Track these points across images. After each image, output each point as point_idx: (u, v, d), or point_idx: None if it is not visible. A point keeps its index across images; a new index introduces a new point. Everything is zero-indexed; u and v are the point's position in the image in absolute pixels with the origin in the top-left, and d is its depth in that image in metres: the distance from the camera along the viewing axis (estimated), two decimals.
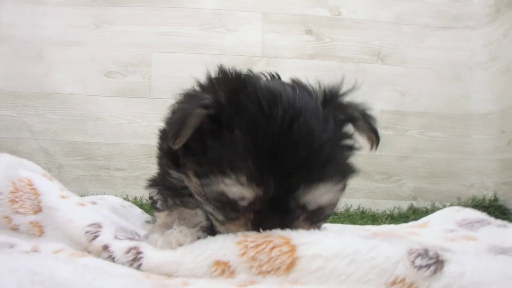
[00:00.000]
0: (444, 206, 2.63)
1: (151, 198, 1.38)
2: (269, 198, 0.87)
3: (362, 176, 2.73)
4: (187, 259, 0.88)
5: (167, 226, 1.02)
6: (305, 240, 0.85)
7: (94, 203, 1.54)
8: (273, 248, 0.85)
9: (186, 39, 2.75)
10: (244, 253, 0.86)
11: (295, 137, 0.86)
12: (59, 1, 2.74)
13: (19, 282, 0.62)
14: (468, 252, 0.82)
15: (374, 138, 1.03)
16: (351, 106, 1.02)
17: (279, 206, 0.89)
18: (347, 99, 1.02)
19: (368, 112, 1.05)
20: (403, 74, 2.76)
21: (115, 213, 1.57)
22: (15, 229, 1.14)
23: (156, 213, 1.17)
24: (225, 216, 0.94)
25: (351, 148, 1.00)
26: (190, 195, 1.09)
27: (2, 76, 2.71)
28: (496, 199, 2.56)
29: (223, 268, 0.86)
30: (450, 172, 2.76)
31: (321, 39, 2.78)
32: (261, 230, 0.89)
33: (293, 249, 0.84)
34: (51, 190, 1.18)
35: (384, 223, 2.37)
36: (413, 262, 0.74)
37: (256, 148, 0.85)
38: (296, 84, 1.02)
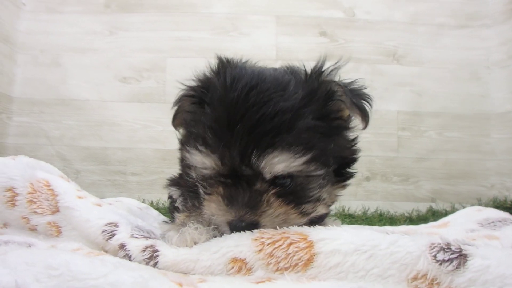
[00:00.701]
0: (464, 208, 2.58)
1: (170, 197, 1.39)
2: (229, 166, 0.90)
3: (380, 179, 2.69)
4: (204, 257, 0.88)
5: (183, 225, 1.02)
6: (323, 236, 0.83)
7: (110, 204, 1.55)
8: (290, 244, 0.84)
9: (199, 44, 2.77)
10: (261, 250, 0.85)
11: (249, 103, 0.89)
12: (74, 9, 2.78)
13: (36, 276, 0.61)
14: (492, 246, 0.78)
15: (360, 113, 1.00)
16: (332, 81, 1.01)
17: (241, 177, 0.91)
18: (331, 76, 1.02)
19: (354, 87, 1.04)
20: (419, 75, 2.72)
21: (131, 214, 1.58)
22: (33, 229, 1.16)
23: (176, 214, 1.18)
24: (205, 192, 0.99)
25: (333, 125, 0.99)
26: None
27: (19, 83, 2.76)
28: None
29: (240, 265, 0.86)
30: (469, 173, 2.70)
31: (335, 40, 2.77)
32: (230, 204, 0.91)
33: (310, 245, 0.82)
34: (68, 190, 1.21)
35: (403, 225, 2.33)
36: (434, 256, 0.72)
37: (216, 118, 0.91)
38: (286, 67, 1.08)
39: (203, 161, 0.92)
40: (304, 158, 0.89)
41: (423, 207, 2.63)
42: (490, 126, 2.70)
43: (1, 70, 2.63)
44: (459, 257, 0.71)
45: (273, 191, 0.92)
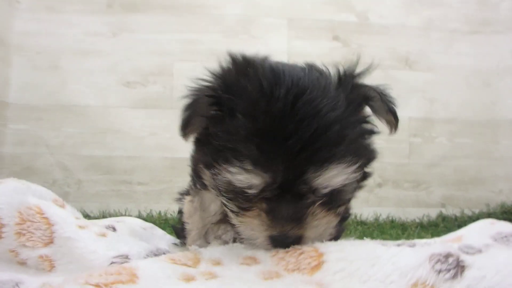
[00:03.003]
0: (473, 213, 2.63)
1: (180, 210, 1.31)
2: (279, 184, 0.83)
3: (391, 185, 2.70)
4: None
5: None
6: (332, 248, 0.87)
7: (113, 227, 1.45)
8: (301, 253, 0.87)
9: (209, 47, 2.65)
10: (274, 255, 0.89)
11: (299, 117, 0.81)
12: (75, 8, 2.60)
13: None
14: (493, 256, 0.84)
15: (392, 119, 0.98)
16: (366, 86, 0.97)
17: (291, 192, 0.85)
18: (363, 79, 0.97)
19: (386, 92, 1.00)
20: (431, 81, 2.73)
21: (135, 236, 1.49)
22: (22, 263, 1.04)
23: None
24: (238, 207, 0.91)
25: (367, 130, 0.96)
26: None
27: (15, 88, 2.57)
28: None
29: (252, 260, 0.90)
30: (478, 179, 2.76)
31: (348, 45, 2.72)
32: (274, 219, 0.87)
33: (320, 255, 0.85)
34: (67, 219, 1.09)
35: (414, 231, 2.35)
36: (433, 266, 0.75)
37: (259, 132, 0.81)
38: (308, 66, 0.98)
39: (250, 181, 0.83)
40: (354, 167, 0.86)
41: (433, 213, 2.66)
42: (500, 132, 2.76)
43: None
44: (457, 267, 0.74)
45: (319, 202, 0.89)
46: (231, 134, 0.84)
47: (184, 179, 1.26)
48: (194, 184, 1.14)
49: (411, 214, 2.64)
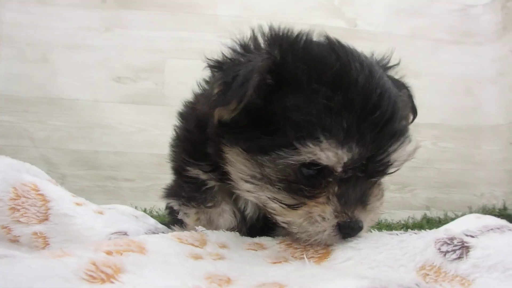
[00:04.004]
0: (456, 215, 2.68)
1: (170, 208, 1.23)
2: (366, 159, 0.79)
3: None
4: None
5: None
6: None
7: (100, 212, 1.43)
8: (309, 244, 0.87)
9: (202, 46, 2.66)
10: (282, 242, 0.89)
11: (380, 90, 0.80)
12: (68, 2, 2.59)
13: None
14: (493, 237, 0.87)
15: (411, 116, 1.04)
16: (397, 79, 1.03)
17: (366, 169, 0.82)
18: (392, 72, 1.03)
19: (411, 89, 1.06)
20: (416, 87, 2.78)
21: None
22: (14, 240, 1.02)
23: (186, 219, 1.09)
24: (299, 197, 0.83)
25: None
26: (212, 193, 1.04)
27: (2, 79, 2.52)
28: (505, 208, 2.65)
29: (258, 246, 0.90)
30: (461, 182, 2.83)
31: None
32: (346, 203, 0.81)
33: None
34: (63, 196, 1.09)
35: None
36: (439, 249, 0.77)
37: (348, 103, 0.77)
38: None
39: (340, 157, 0.77)
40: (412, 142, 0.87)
41: (418, 215, 2.71)
42: (482, 138, 2.85)
43: None
44: (462, 248, 0.77)
45: (377, 182, 0.89)
46: (312, 107, 0.77)
47: (171, 177, 1.22)
48: (188, 200, 1.06)
49: (397, 215, 2.67)
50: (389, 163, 0.83)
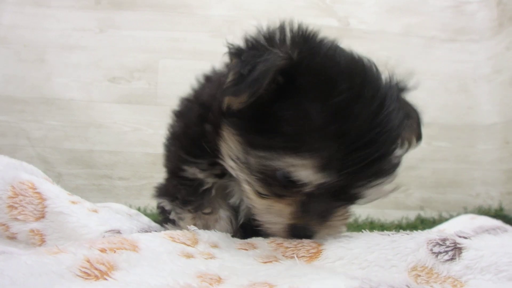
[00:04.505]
0: (451, 216, 2.65)
1: (161, 208, 1.22)
2: (338, 186, 0.80)
3: None
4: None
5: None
6: (330, 239, 0.88)
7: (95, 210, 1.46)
8: (300, 241, 0.88)
9: (195, 46, 2.71)
10: (272, 241, 0.89)
11: (382, 126, 0.79)
12: (63, 3, 2.65)
13: None
14: (486, 238, 0.84)
15: (415, 142, 1.03)
16: (409, 104, 1.02)
17: (337, 194, 0.83)
18: (407, 96, 1.01)
19: (421, 115, 1.05)
20: (410, 85, 2.79)
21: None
22: (12, 237, 1.05)
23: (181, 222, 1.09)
24: (269, 190, 0.86)
25: None
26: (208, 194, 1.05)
27: None
28: (501, 209, 2.60)
29: (249, 245, 0.91)
30: (456, 182, 2.79)
31: None
32: (305, 212, 0.85)
33: (319, 244, 0.86)
34: (59, 194, 1.10)
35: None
36: (431, 249, 0.77)
37: (341, 134, 0.77)
38: (371, 63, 0.93)
39: (312, 178, 0.78)
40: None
41: (412, 215, 2.68)
42: (477, 137, 2.81)
43: None
44: (454, 249, 0.76)
45: (346, 206, 0.89)
46: (306, 121, 0.78)
47: (163, 176, 1.22)
48: (184, 204, 1.07)
49: (390, 215, 2.66)
50: (361, 196, 0.85)
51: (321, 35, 0.90)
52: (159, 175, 1.24)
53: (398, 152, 0.88)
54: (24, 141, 2.58)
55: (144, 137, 2.65)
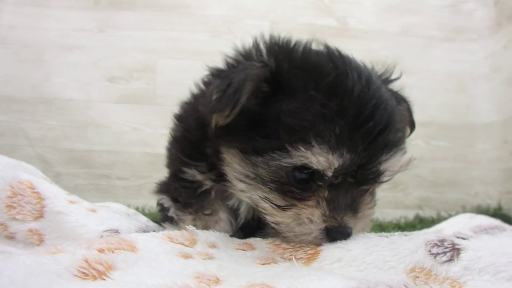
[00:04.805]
0: (450, 215, 2.65)
1: (161, 205, 1.23)
2: (357, 166, 0.81)
3: None
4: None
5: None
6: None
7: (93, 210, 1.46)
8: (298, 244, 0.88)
9: (193, 46, 2.71)
10: (271, 242, 0.90)
11: (375, 101, 0.81)
12: (62, 4, 2.66)
13: None
14: (484, 239, 0.84)
15: (409, 129, 1.05)
16: (397, 93, 1.03)
17: (356, 178, 0.83)
18: (393, 85, 1.03)
19: (410, 103, 1.06)
20: (408, 85, 2.75)
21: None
22: (11, 237, 1.05)
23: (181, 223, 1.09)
24: (289, 198, 0.84)
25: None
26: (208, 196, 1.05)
27: None
28: (500, 208, 2.60)
29: (247, 246, 0.91)
30: (454, 181, 2.79)
31: None
32: (335, 208, 0.82)
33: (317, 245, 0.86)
34: (58, 194, 1.11)
35: (392, 232, 2.36)
36: (429, 251, 0.77)
37: (341, 112, 0.78)
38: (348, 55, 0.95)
39: (331, 162, 0.79)
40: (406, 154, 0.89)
41: (410, 214, 2.68)
42: (476, 136, 2.82)
43: None
44: (453, 250, 0.76)
45: (370, 190, 0.89)
46: (305, 112, 0.80)
47: (164, 175, 1.23)
48: (185, 206, 1.08)
49: (389, 215, 2.65)
50: (380, 172, 0.84)
51: (294, 40, 0.93)
52: (158, 174, 1.25)
53: (399, 126, 0.89)
54: (23, 141, 2.59)
55: (143, 136, 2.66)
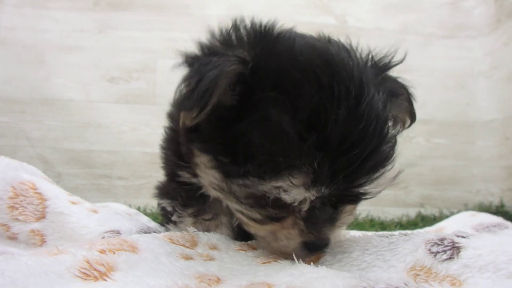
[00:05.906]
0: (452, 213, 2.63)
1: (163, 209, 1.18)
2: (333, 194, 0.73)
3: None
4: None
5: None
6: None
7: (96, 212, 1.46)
8: None
9: (192, 46, 2.71)
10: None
11: (364, 123, 0.70)
12: (61, 5, 2.67)
13: None
14: (485, 237, 0.83)
15: (409, 121, 0.95)
16: (396, 81, 0.92)
17: (339, 198, 0.77)
18: (393, 72, 0.91)
19: (412, 91, 0.94)
20: (408, 82, 2.78)
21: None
22: (13, 238, 1.06)
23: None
24: (265, 215, 0.79)
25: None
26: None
27: None
28: (502, 206, 2.58)
29: (248, 247, 0.90)
30: (456, 179, 2.78)
31: None
32: (312, 225, 0.79)
33: None
34: (59, 194, 1.12)
35: (393, 231, 2.34)
36: (429, 249, 0.77)
37: (323, 143, 0.68)
38: (339, 45, 0.84)
39: (303, 196, 0.72)
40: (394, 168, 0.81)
41: (412, 212, 2.66)
42: (476, 133, 2.80)
43: None
44: (453, 248, 0.76)
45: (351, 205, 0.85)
46: (281, 140, 0.69)
47: (162, 175, 1.22)
48: (185, 207, 1.05)
49: (390, 213, 2.64)
50: (365, 194, 0.77)
51: (277, 27, 0.83)
52: (158, 174, 1.25)
53: (390, 135, 0.79)
54: (24, 142, 2.60)
55: (143, 136, 2.66)
